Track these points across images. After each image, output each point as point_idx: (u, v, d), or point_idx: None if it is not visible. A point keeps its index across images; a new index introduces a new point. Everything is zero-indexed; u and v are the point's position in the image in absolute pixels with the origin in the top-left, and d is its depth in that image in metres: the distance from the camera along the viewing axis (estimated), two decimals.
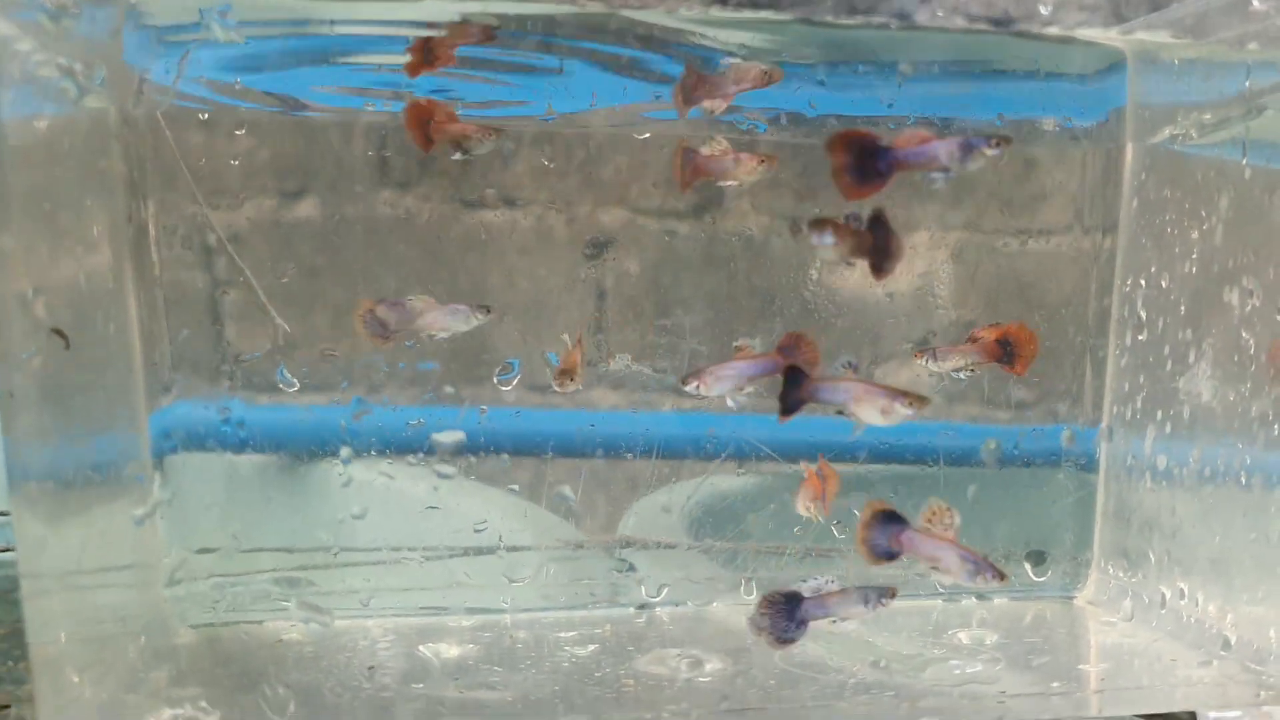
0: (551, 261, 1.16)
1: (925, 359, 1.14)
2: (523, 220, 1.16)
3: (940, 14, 0.92)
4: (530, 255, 1.16)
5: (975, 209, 1.22)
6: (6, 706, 0.99)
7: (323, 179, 1.11)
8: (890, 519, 0.96)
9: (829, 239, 0.90)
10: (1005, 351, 1.12)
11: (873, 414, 0.96)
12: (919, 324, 1.23)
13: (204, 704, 0.89)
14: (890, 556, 0.97)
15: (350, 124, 1.10)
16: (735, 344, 1.11)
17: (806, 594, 0.96)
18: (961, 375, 1.18)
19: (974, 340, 1.14)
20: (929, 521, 0.97)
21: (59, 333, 0.81)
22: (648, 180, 1.17)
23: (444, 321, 1.07)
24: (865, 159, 0.87)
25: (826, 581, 0.97)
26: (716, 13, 0.87)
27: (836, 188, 0.87)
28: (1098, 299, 1.24)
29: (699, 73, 1.02)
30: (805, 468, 1.14)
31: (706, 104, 1.05)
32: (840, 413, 0.98)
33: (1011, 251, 1.23)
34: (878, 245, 0.91)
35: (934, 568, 0.97)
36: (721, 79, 1.02)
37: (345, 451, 1.12)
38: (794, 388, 0.98)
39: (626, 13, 0.89)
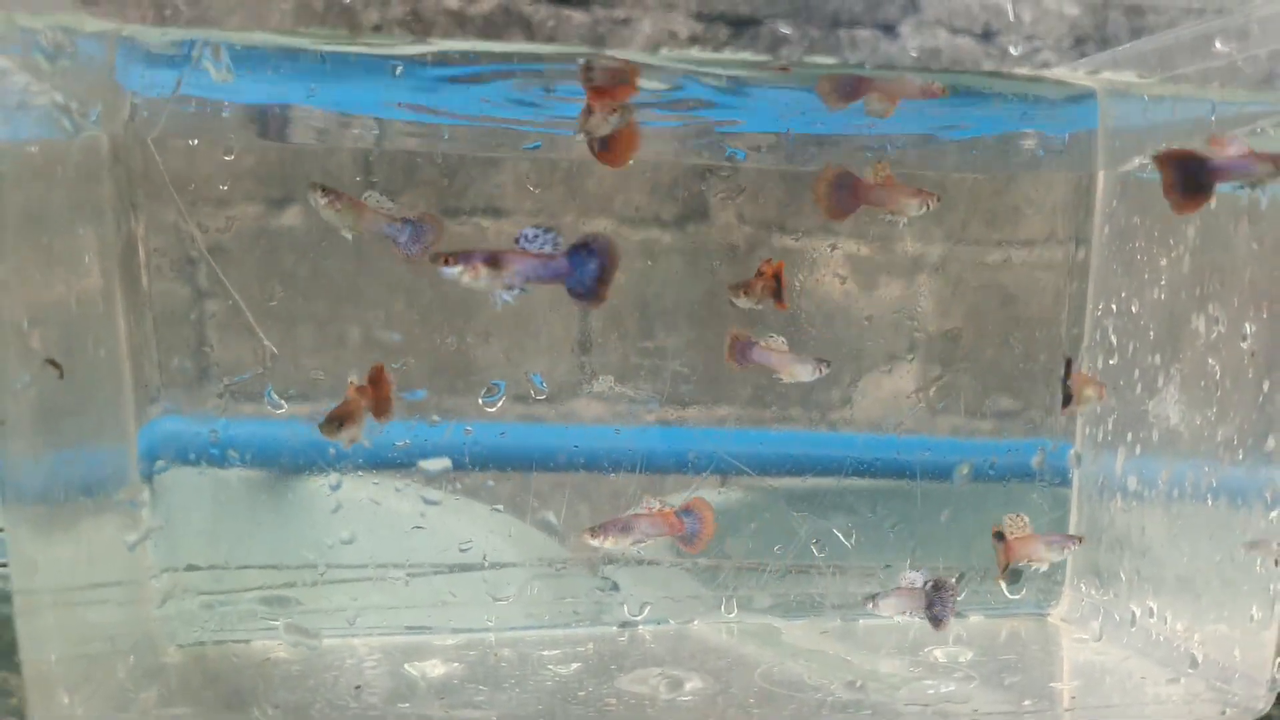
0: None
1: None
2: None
3: (924, 27, 0.95)
4: None
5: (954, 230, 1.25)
6: None
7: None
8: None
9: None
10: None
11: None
12: (899, 338, 1.25)
13: None
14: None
15: (335, 150, 1.12)
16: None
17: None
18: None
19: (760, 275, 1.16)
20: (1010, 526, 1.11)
21: (53, 363, 0.82)
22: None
23: (793, 369, 1.13)
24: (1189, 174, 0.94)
25: None
26: (697, 54, 0.89)
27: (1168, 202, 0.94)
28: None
29: (859, 75, 1.02)
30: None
31: (874, 106, 1.04)
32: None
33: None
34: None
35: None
36: (889, 84, 1.02)
37: (334, 478, 1.14)
38: None
39: (610, 53, 0.91)
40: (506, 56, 1.00)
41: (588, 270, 0.92)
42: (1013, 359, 1.28)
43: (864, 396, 1.26)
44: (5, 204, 0.85)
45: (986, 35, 1.00)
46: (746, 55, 0.87)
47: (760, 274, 1.15)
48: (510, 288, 0.91)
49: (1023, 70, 0.91)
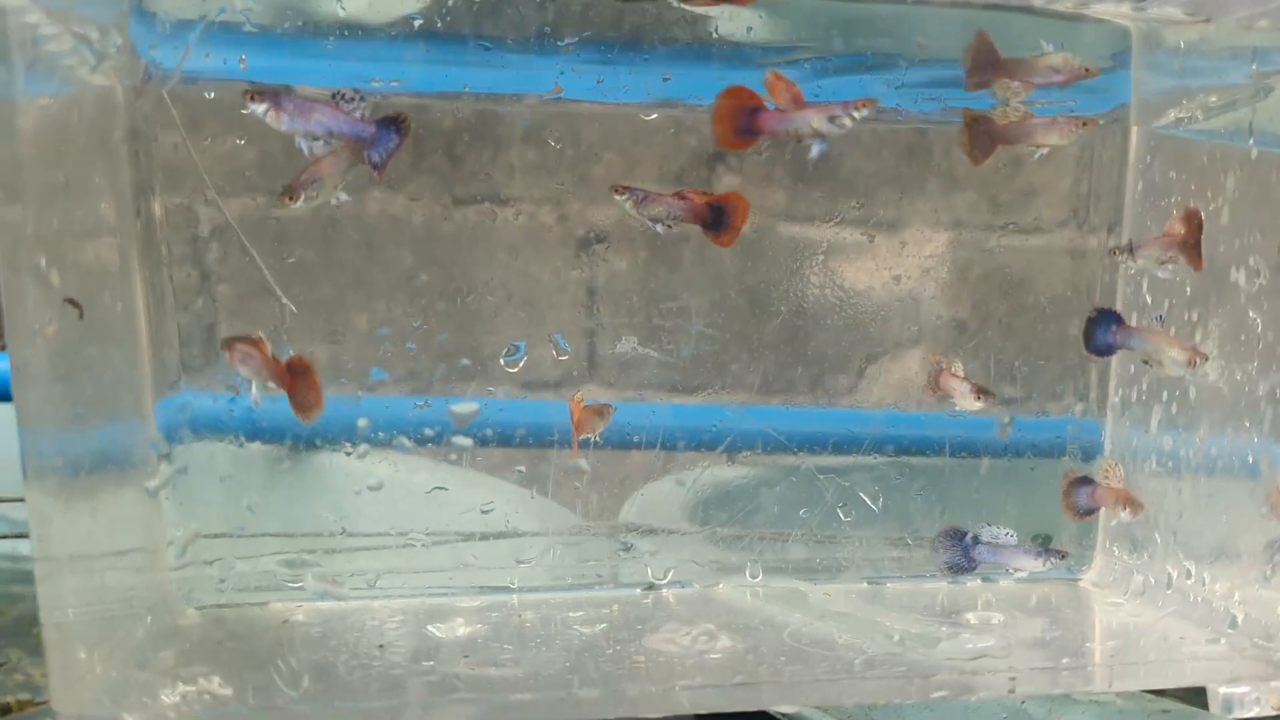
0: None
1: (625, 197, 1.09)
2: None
3: None
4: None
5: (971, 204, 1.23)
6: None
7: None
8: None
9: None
10: (715, 216, 1.09)
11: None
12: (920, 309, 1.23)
13: (217, 679, 0.89)
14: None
15: None
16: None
17: None
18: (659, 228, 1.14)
19: (681, 197, 1.08)
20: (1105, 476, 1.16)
21: (73, 302, 0.80)
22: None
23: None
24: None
25: None
26: None
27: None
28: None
29: (994, 50, 1.00)
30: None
31: (1011, 83, 1.02)
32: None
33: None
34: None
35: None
36: (1029, 64, 1.01)
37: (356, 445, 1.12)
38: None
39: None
40: None
41: (387, 143, 0.95)
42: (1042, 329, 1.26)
43: (884, 373, 1.24)
44: (21, 151, 0.83)
45: None
46: None
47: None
48: (314, 137, 0.93)
49: (1064, 4, 0.88)
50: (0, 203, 0.79)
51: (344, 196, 1.01)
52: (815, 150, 1.00)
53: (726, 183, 1.17)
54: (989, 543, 1.16)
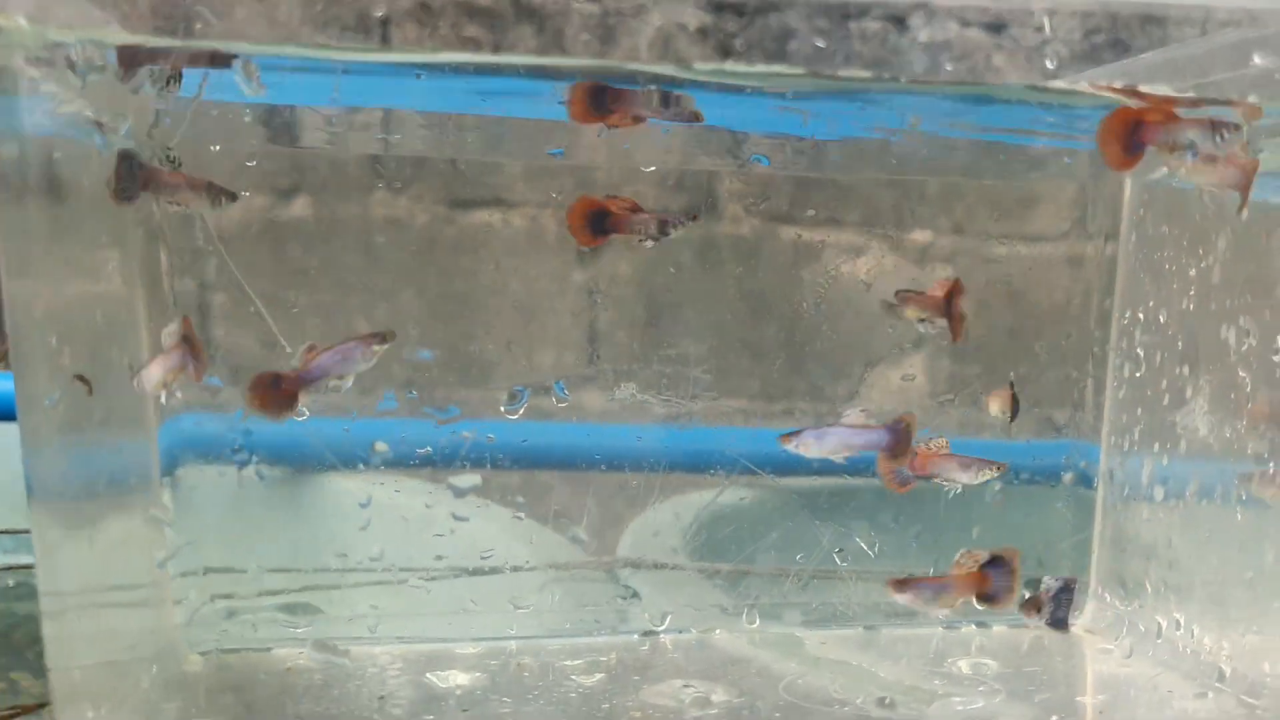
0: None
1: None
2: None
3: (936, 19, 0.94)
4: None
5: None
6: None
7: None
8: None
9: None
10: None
11: None
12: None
13: None
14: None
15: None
16: None
17: None
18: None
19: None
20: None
21: (82, 379, 0.82)
22: None
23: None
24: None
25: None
26: (731, 66, 0.88)
27: None
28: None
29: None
30: None
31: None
32: None
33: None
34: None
35: None
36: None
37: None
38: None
39: (636, 67, 0.91)
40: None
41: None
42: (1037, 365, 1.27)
43: (874, 391, 1.25)
44: (31, 215, 0.85)
45: (997, 28, 0.99)
46: (780, 68, 0.86)
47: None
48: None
49: (1051, 83, 0.90)
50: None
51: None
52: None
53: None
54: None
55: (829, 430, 1.09)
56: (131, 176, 0.91)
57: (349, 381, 1.02)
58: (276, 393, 1.01)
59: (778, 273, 1.23)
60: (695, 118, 1.06)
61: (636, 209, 1.12)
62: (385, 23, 0.95)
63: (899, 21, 0.94)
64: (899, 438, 1.08)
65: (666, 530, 1.24)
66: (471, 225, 1.18)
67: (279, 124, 1.10)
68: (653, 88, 1.01)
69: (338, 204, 1.14)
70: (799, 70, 0.88)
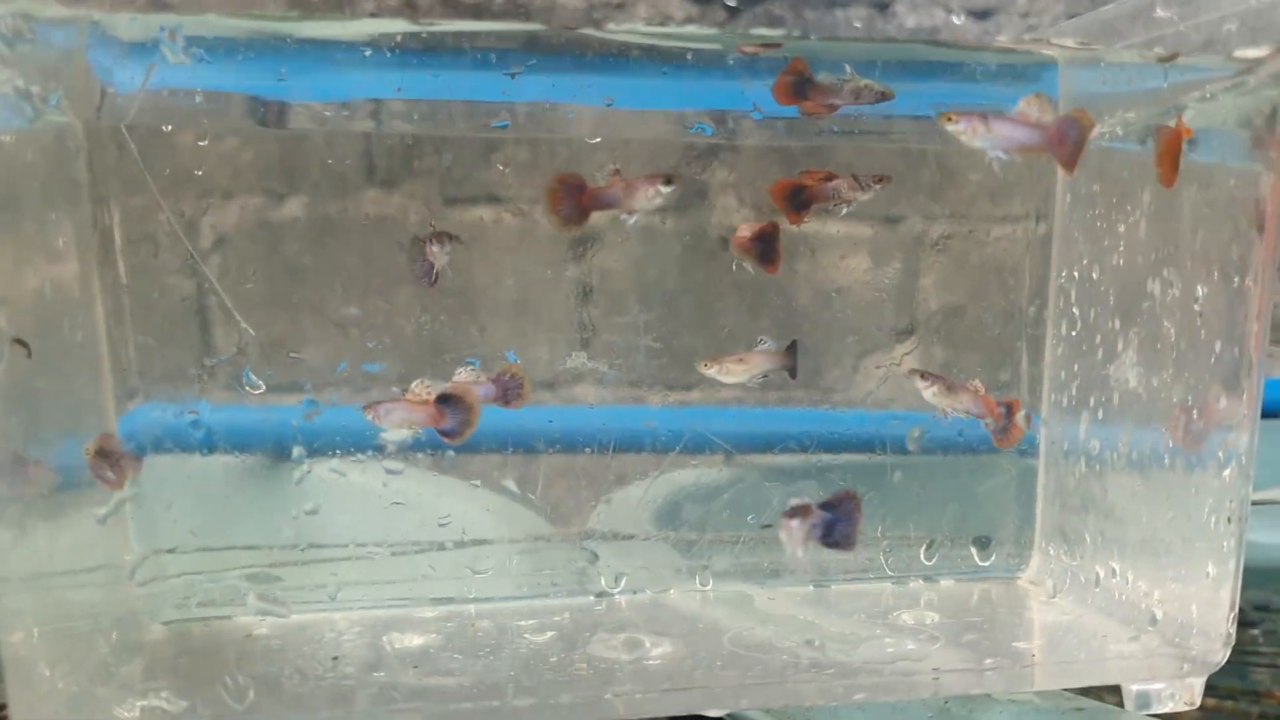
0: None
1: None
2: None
3: (919, 5, 0.97)
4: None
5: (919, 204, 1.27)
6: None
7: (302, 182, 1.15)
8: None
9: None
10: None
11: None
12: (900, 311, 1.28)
13: (165, 694, 0.93)
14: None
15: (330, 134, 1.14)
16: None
17: None
18: None
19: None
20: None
21: (21, 342, 0.84)
22: None
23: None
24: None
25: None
26: (693, 30, 0.91)
27: None
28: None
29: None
30: None
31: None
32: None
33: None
34: None
35: None
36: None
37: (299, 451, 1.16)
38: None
39: (611, 29, 0.93)
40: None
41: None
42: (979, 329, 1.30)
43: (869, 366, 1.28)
44: None
45: (983, 14, 1.02)
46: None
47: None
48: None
49: (970, 41, 0.92)
50: None
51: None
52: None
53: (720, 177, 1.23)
54: None
55: None
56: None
57: (634, 218, 1.12)
58: (573, 200, 1.08)
59: None
60: (884, 97, 1.10)
61: (830, 176, 1.16)
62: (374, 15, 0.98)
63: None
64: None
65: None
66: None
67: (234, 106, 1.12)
68: (846, 79, 1.06)
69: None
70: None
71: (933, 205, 1.27)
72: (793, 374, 1.23)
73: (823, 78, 1.05)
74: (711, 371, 1.19)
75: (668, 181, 1.11)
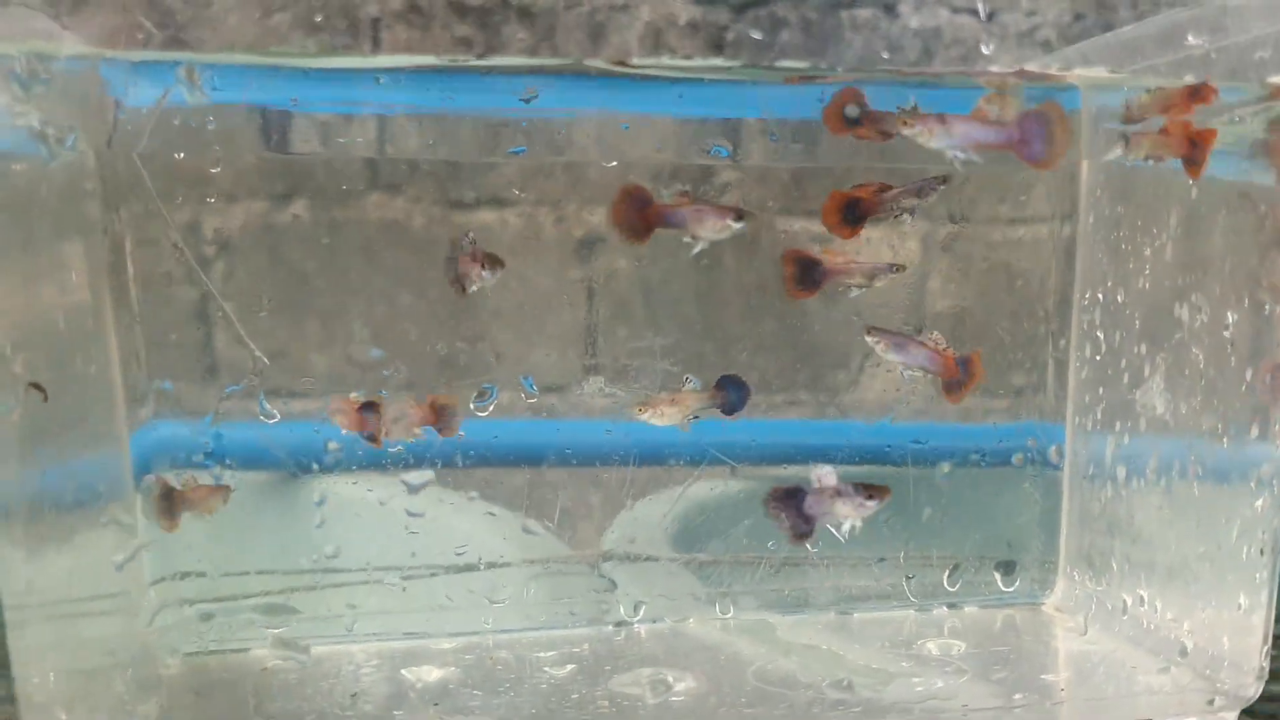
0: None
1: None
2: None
3: (924, 6, 0.96)
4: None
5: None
6: None
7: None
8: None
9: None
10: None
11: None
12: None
13: None
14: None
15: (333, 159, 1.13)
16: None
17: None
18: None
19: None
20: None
21: (37, 387, 0.83)
22: None
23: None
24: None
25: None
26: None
27: None
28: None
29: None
30: None
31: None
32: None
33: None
34: None
35: None
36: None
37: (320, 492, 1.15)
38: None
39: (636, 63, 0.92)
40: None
41: None
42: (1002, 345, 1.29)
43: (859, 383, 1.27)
44: None
45: (988, 15, 1.00)
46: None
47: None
48: None
49: (996, 68, 0.91)
50: None
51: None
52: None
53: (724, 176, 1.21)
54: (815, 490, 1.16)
55: None
56: None
57: (699, 245, 1.10)
58: (638, 213, 1.08)
59: None
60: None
61: (884, 188, 1.13)
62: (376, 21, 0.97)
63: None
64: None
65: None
66: None
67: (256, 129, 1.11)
68: (903, 110, 1.04)
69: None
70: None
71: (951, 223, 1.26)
72: (726, 410, 1.20)
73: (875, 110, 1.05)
74: (645, 416, 1.17)
75: (739, 217, 1.10)
